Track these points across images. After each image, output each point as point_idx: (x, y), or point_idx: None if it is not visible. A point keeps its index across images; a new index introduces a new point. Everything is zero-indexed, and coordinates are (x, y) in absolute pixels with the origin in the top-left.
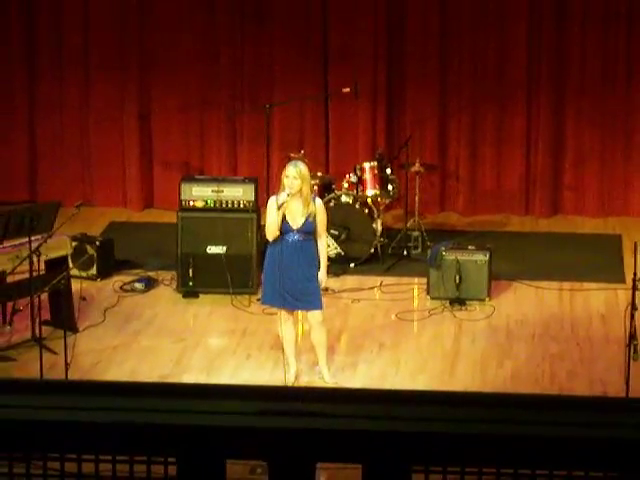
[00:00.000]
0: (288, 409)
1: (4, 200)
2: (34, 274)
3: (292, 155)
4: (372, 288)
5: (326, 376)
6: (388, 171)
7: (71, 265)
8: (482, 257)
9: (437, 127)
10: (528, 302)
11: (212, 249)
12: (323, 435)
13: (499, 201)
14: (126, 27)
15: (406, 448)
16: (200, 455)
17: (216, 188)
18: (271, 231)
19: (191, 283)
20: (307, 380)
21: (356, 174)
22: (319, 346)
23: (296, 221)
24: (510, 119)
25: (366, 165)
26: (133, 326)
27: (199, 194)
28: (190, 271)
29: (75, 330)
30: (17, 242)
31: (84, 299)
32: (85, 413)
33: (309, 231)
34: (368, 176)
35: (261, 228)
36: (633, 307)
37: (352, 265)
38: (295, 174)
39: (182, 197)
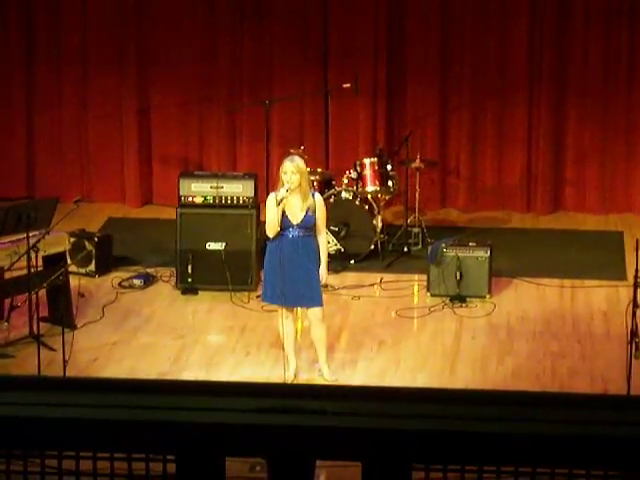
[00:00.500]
0: (287, 406)
1: (2, 196)
2: (32, 270)
3: (292, 151)
4: (372, 285)
5: (326, 373)
6: (388, 167)
7: (69, 261)
8: (483, 254)
9: (438, 123)
10: (529, 299)
11: (211, 245)
12: (322, 432)
13: (500, 198)
14: (125, 23)
15: (406, 446)
16: (199, 453)
17: (215, 184)
18: (271, 227)
19: (190, 280)
20: (306, 377)
21: (356, 170)
22: (319, 343)
23: (296, 216)
24: (511, 115)
25: (366, 161)
26: (132, 323)
27: (198, 190)
28: (189, 267)
29: (73, 327)
30: (15, 238)
31: (82, 295)
32: (83, 410)
33: (309, 226)
34: (368, 172)
35: (261, 225)
36: (634, 304)
37: (352, 262)
38: (293, 169)
39: (181, 193)
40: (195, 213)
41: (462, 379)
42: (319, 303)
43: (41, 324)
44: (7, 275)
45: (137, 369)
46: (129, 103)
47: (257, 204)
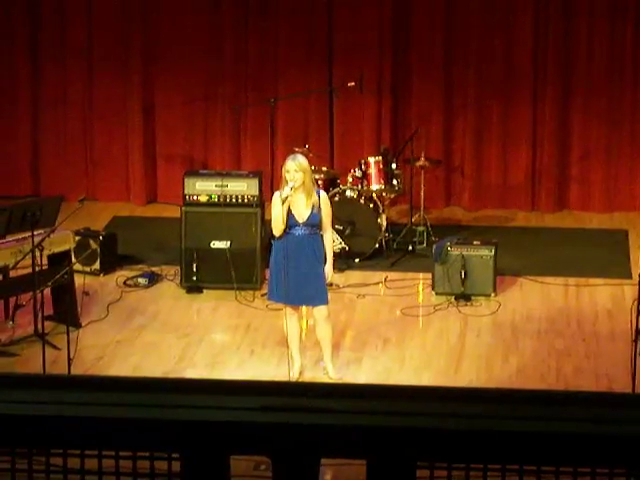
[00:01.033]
0: (292, 405)
1: (7, 194)
2: (37, 269)
3: (296, 150)
4: (377, 283)
5: (330, 371)
6: (393, 166)
7: (74, 260)
8: (487, 252)
9: (442, 122)
10: (534, 297)
11: (216, 244)
12: (327, 431)
13: (505, 196)
14: (130, 22)
15: (411, 444)
16: (204, 451)
17: (220, 183)
18: (277, 226)
19: (195, 278)
20: (311, 376)
21: (361, 169)
22: (324, 341)
23: (301, 214)
24: (516, 114)
25: (371, 160)
26: (136, 321)
27: (203, 188)
28: (194, 266)
29: (78, 325)
30: (20, 237)
31: (87, 294)
32: (88, 408)
33: (315, 224)
34: (373, 171)
35: (266, 223)
36: (639, 302)
37: (357, 260)
38: (296, 167)
39: (186, 192)
40: (200, 212)
41: (467, 377)
42: (324, 301)
43: (46, 323)
44: (12, 274)
45: (142, 367)
46: (134, 102)
47: (262, 202)
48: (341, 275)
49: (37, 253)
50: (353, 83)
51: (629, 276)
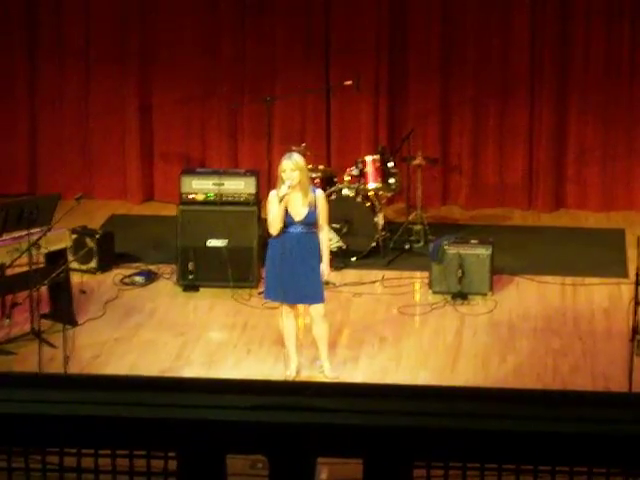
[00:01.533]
0: (289, 404)
1: (4, 193)
2: (33, 267)
3: (294, 148)
4: (374, 282)
5: (327, 370)
6: (390, 164)
7: (71, 258)
8: (484, 251)
9: (439, 120)
10: (530, 296)
11: (213, 242)
12: (324, 430)
13: (501, 195)
14: (127, 19)
15: (407, 443)
16: (200, 450)
17: (217, 181)
18: (275, 225)
19: (191, 276)
20: (308, 374)
21: (358, 167)
22: (320, 340)
23: (299, 213)
24: (513, 113)
25: (368, 158)
26: (133, 320)
27: (200, 187)
28: (190, 264)
29: (75, 323)
30: (16, 235)
31: (84, 292)
32: (84, 407)
33: (311, 222)
34: (370, 169)
35: (262, 222)
36: (636, 302)
37: (353, 259)
38: (292, 166)
39: (182, 190)
40: (196, 210)
41: (463, 376)
42: (321, 300)
43: (42, 321)
44: (8, 272)
45: (138, 366)
46: (131, 100)
47: (259, 201)
48: (338, 274)
49: (34, 251)
50: (350, 82)
51: (626, 275)
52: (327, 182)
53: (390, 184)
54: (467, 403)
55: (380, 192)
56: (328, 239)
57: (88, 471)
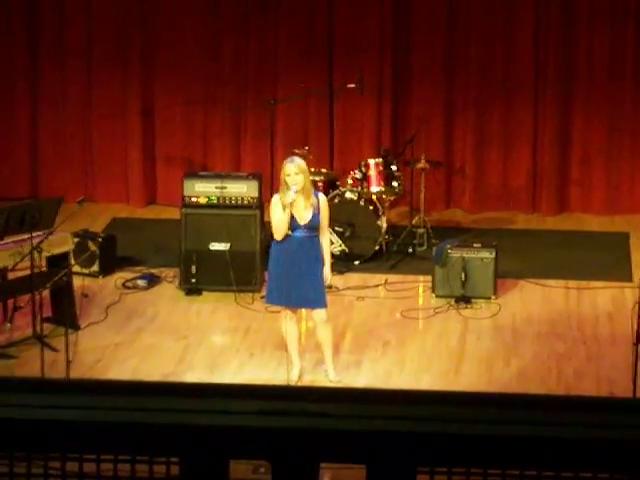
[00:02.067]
0: (291, 409)
1: (6, 196)
2: (35, 271)
3: (296, 151)
4: (377, 286)
5: (331, 375)
6: (393, 168)
7: (73, 262)
8: (488, 255)
9: (443, 123)
10: (534, 300)
11: (215, 246)
12: (327, 435)
13: (505, 198)
14: (129, 22)
15: (411, 448)
16: (203, 455)
17: (219, 184)
18: (280, 230)
19: (194, 280)
20: (310, 379)
21: (361, 170)
22: (324, 344)
23: (302, 216)
24: (516, 116)
25: (371, 161)
26: (135, 324)
27: (202, 190)
28: (193, 268)
29: (77, 327)
30: (19, 238)
31: (86, 296)
32: (86, 412)
33: (315, 226)
34: (373, 173)
35: (266, 226)
36: None
37: (357, 262)
38: (296, 170)
39: (185, 193)
40: (199, 213)
41: (467, 380)
42: (323, 304)
43: (44, 325)
44: (11, 275)
45: (141, 370)
46: (133, 103)
47: (261, 204)
48: (341, 277)
49: (36, 255)
50: (353, 85)
51: (630, 279)
52: (330, 185)
53: (393, 187)
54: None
55: (383, 195)
56: (329, 242)
57: (90, 476)
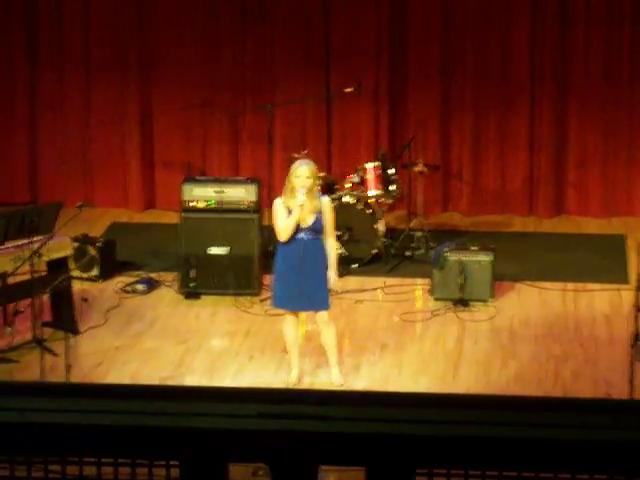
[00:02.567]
0: (290, 412)
1: (5, 201)
2: (35, 275)
3: (295, 155)
4: (375, 289)
5: (334, 377)
6: (391, 171)
7: (72, 266)
8: (485, 258)
9: (440, 127)
10: (532, 303)
11: (214, 250)
12: (326, 438)
13: (502, 201)
14: (127, 28)
15: (409, 451)
16: (202, 458)
17: (218, 189)
18: (286, 232)
19: (193, 284)
20: (310, 382)
21: (358, 174)
22: (328, 346)
23: (305, 219)
24: (513, 119)
25: (368, 165)
26: (135, 328)
27: (201, 195)
28: (192, 272)
29: (76, 332)
30: (18, 243)
31: (85, 300)
32: (87, 416)
33: (318, 229)
34: (371, 176)
35: (264, 229)
36: (637, 308)
37: (355, 266)
38: (308, 173)
39: (184, 198)
40: (198, 218)
41: (465, 383)
42: (326, 307)
43: (44, 329)
44: (10, 280)
45: (140, 374)
46: (132, 108)
47: (260, 209)
48: (339, 281)
49: (35, 259)
50: (351, 89)
51: (627, 281)
52: (328, 189)
53: (391, 191)
54: (468, 410)
55: (381, 199)
56: (335, 245)
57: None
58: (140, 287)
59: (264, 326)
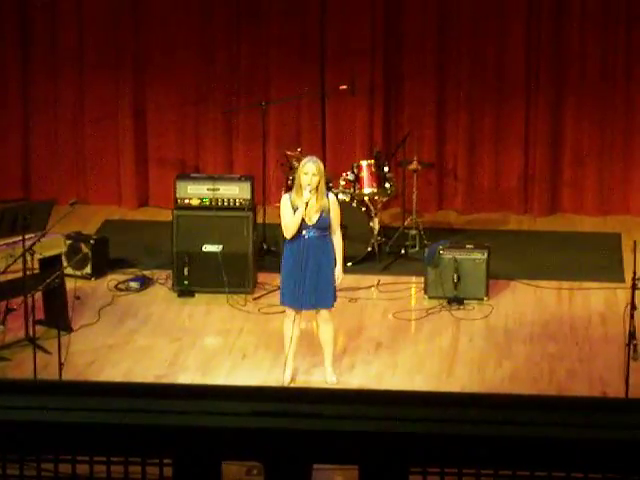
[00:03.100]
0: (284, 410)
1: None
2: (28, 273)
3: (289, 153)
4: (369, 287)
5: (328, 375)
6: (385, 169)
7: (65, 264)
8: (480, 256)
9: (435, 125)
10: (527, 301)
11: (208, 248)
12: (319, 436)
13: (497, 199)
14: (121, 25)
15: (403, 449)
16: (196, 456)
17: (212, 186)
18: (292, 229)
19: (186, 282)
20: (303, 380)
21: (353, 172)
22: (324, 344)
23: (311, 217)
24: (508, 117)
25: (363, 163)
26: (128, 325)
27: (195, 192)
28: (185, 270)
29: (69, 329)
30: (11, 240)
31: (78, 298)
32: (79, 414)
33: (324, 226)
34: (365, 174)
35: (258, 227)
36: (632, 306)
37: (349, 264)
38: (315, 171)
39: (177, 195)
40: (191, 215)
41: (459, 382)
42: (331, 304)
43: (37, 327)
44: (3, 278)
45: (134, 372)
46: (125, 105)
47: (254, 206)
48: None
49: (28, 257)
50: (345, 86)
51: (622, 280)
52: None
53: (386, 189)
54: (463, 409)
55: (375, 197)
56: (341, 242)
57: (83, 478)
58: (133, 285)
59: (258, 324)
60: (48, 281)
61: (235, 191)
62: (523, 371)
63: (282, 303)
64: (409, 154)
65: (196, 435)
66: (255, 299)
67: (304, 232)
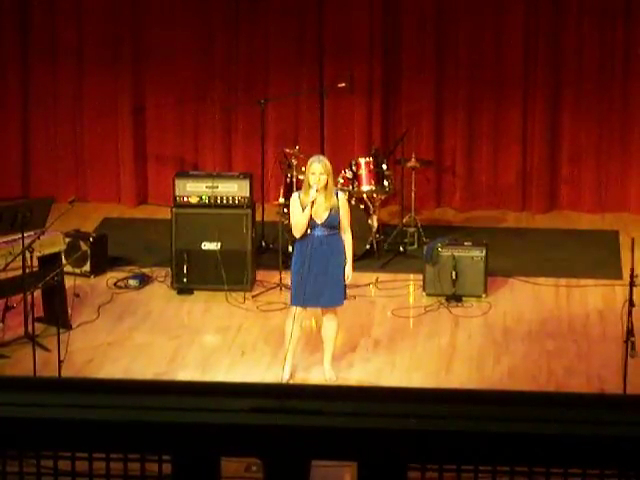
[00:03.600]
0: (283, 406)
1: None
2: (27, 271)
3: (287, 151)
4: (368, 284)
5: (327, 372)
6: (384, 167)
7: (64, 261)
8: (478, 253)
9: (433, 122)
10: (525, 298)
11: (207, 245)
12: (318, 432)
13: (495, 197)
14: (120, 21)
15: (402, 446)
16: (195, 453)
17: (210, 184)
18: (299, 228)
19: (185, 279)
20: (302, 377)
21: (351, 170)
22: (326, 340)
23: (320, 215)
24: (506, 114)
25: (361, 160)
26: (127, 323)
27: (193, 190)
28: (184, 267)
29: (68, 327)
30: (10, 238)
31: (77, 296)
32: (78, 411)
33: (333, 225)
34: (364, 172)
35: (256, 225)
36: (630, 303)
37: None
38: (322, 170)
39: (176, 193)
40: (190, 213)
41: (458, 379)
42: (341, 302)
43: (36, 324)
44: (2, 275)
45: (133, 369)
46: (124, 102)
47: (253, 204)
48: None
49: (27, 255)
50: (344, 84)
51: (620, 277)
52: None
53: (384, 186)
54: (461, 406)
55: (374, 194)
56: (351, 240)
57: (82, 475)
58: (132, 282)
59: (256, 322)
60: (47, 279)
61: (234, 189)
62: (521, 368)
63: (293, 303)
64: (407, 152)
65: (195, 432)
66: (254, 296)
67: (313, 231)
